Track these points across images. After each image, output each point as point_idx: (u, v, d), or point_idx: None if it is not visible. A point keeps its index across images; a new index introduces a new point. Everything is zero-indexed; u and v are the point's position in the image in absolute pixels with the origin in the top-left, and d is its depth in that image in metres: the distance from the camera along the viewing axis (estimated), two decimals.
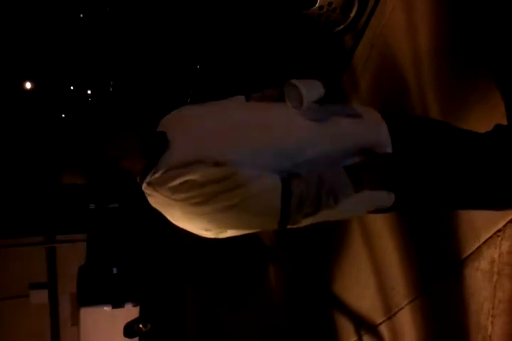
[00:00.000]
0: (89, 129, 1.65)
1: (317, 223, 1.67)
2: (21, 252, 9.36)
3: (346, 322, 3.89)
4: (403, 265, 3.12)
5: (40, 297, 9.40)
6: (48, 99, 7.09)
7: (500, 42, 2.28)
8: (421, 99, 2.85)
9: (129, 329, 6.90)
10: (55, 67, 6.88)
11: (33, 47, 6.70)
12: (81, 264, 8.28)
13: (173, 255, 7.70)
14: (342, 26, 3.55)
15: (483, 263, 2.37)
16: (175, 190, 1.56)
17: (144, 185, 1.66)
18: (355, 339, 3.79)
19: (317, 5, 3.37)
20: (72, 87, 6.78)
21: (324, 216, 1.61)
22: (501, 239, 2.25)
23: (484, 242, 2.37)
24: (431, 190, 1.75)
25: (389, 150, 1.70)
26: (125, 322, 6.96)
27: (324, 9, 3.40)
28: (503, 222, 2.22)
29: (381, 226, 3.31)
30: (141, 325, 6.96)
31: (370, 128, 1.73)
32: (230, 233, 1.66)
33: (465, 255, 2.51)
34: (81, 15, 5.96)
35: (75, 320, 8.07)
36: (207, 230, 1.63)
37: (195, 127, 1.68)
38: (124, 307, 7.58)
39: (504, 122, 2.05)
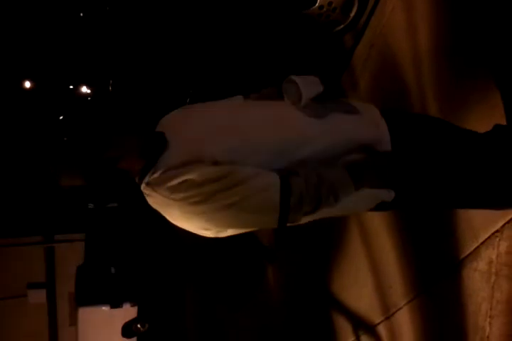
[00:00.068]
0: (90, 129, 1.65)
1: (317, 220, 1.66)
2: (19, 252, 9.36)
3: (344, 322, 3.89)
4: (401, 264, 3.12)
5: (38, 297, 9.39)
6: (47, 99, 7.09)
7: (500, 42, 2.28)
8: (420, 99, 2.84)
9: (127, 329, 6.90)
10: (55, 66, 6.88)
11: (33, 46, 6.70)
12: (79, 264, 8.28)
13: (172, 255, 7.69)
14: (342, 26, 3.55)
15: (481, 264, 2.37)
16: (174, 189, 1.56)
17: (142, 185, 1.66)
18: (353, 339, 3.78)
19: (317, 4, 3.37)
20: (71, 86, 6.79)
21: (324, 213, 1.61)
22: (499, 239, 2.25)
23: (482, 243, 2.36)
24: (430, 188, 1.74)
25: (388, 147, 1.69)
26: (123, 322, 6.96)
27: (324, 9, 3.40)
28: (502, 223, 2.22)
29: (379, 225, 3.31)
30: (139, 325, 6.96)
31: (369, 125, 1.72)
32: (229, 232, 1.65)
33: (463, 255, 2.51)
34: (81, 15, 5.96)
35: (73, 320, 8.06)
36: (206, 229, 1.63)
37: (194, 127, 1.68)
38: (122, 307, 7.58)
39: (503, 122, 2.05)
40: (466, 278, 2.49)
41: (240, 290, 6.01)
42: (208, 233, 1.64)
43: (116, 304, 7.55)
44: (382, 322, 3.36)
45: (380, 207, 1.73)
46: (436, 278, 2.78)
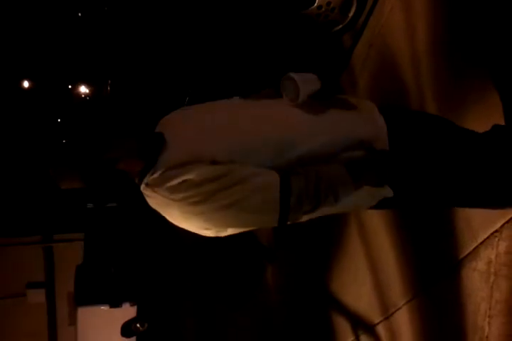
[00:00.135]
0: (89, 130, 1.65)
1: (317, 218, 1.66)
2: (19, 251, 9.35)
3: (344, 322, 3.89)
4: (400, 264, 3.12)
5: (37, 296, 9.39)
6: (46, 98, 7.09)
7: (498, 42, 2.28)
8: (419, 99, 2.84)
9: (127, 329, 6.89)
10: (54, 66, 6.87)
11: (32, 46, 6.69)
12: (78, 263, 8.28)
13: (171, 254, 7.70)
14: (341, 26, 3.55)
15: (481, 264, 2.37)
16: (173, 189, 1.56)
17: (142, 186, 1.66)
18: (352, 339, 3.79)
19: (316, 4, 3.37)
20: (70, 86, 6.78)
21: (325, 211, 1.61)
22: (498, 239, 2.25)
23: (481, 243, 2.36)
24: (429, 185, 1.74)
25: (387, 143, 1.69)
26: (122, 321, 6.95)
27: (323, 9, 3.40)
28: (501, 223, 2.21)
29: (378, 224, 3.31)
30: (138, 325, 6.95)
31: (367, 122, 1.72)
32: (230, 231, 1.65)
33: (462, 255, 2.51)
34: (79, 15, 5.96)
35: (73, 320, 8.06)
36: (206, 229, 1.63)
37: (193, 127, 1.68)
38: (121, 306, 7.58)
39: (502, 122, 2.05)
40: (465, 278, 2.49)
41: (240, 289, 6.01)
42: (208, 232, 1.64)
43: (115, 303, 7.55)
44: (381, 321, 3.36)
45: (379, 204, 1.73)
46: (435, 278, 2.79)
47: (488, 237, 2.31)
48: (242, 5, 4.09)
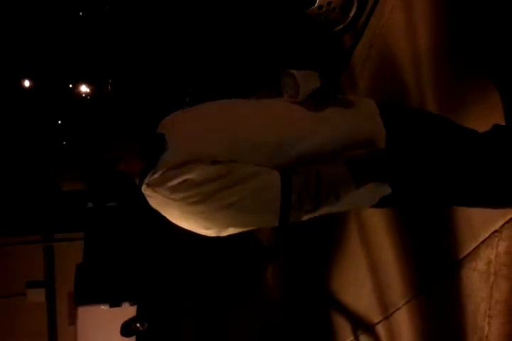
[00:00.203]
0: (90, 130, 1.65)
1: (318, 217, 1.66)
2: (19, 251, 9.36)
3: (343, 322, 3.89)
4: (400, 263, 3.12)
5: (37, 296, 9.40)
6: (47, 98, 7.09)
7: (499, 43, 2.28)
8: (420, 99, 2.84)
9: (126, 328, 6.89)
10: (54, 65, 6.88)
11: (32, 45, 6.70)
12: (78, 263, 8.27)
13: (171, 254, 7.69)
14: (341, 26, 3.55)
15: (480, 264, 2.37)
16: (174, 189, 1.56)
17: (143, 187, 1.66)
18: (352, 338, 3.79)
19: (316, 4, 3.37)
20: (70, 85, 6.78)
21: (326, 210, 1.61)
22: (498, 239, 2.25)
23: (481, 243, 2.36)
24: (428, 184, 1.74)
25: (386, 142, 1.69)
26: (122, 321, 6.95)
27: (323, 9, 3.40)
28: (501, 223, 2.21)
29: (378, 224, 3.31)
30: (138, 324, 6.95)
31: (366, 120, 1.72)
32: (231, 230, 1.65)
33: (462, 255, 2.51)
34: (80, 14, 5.96)
35: (73, 319, 8.06)
36: (207, 229, 1.63)
37: (193, 127, 1.68)
38: (121, 306, 7.58)
39: (502, 122, 2.05)
40: (465, 278, 2.49)
41: (240, 289, 6.01)
42: (209, 232, 1.64)
43: (115, 303, 7.55)
44: (381, 321, 3.36)
45: (380, 203, 1.74)
46: (435, 278, 2.79)
47: (488, 237, 2.31)
48: (243, 5, 4.09)
